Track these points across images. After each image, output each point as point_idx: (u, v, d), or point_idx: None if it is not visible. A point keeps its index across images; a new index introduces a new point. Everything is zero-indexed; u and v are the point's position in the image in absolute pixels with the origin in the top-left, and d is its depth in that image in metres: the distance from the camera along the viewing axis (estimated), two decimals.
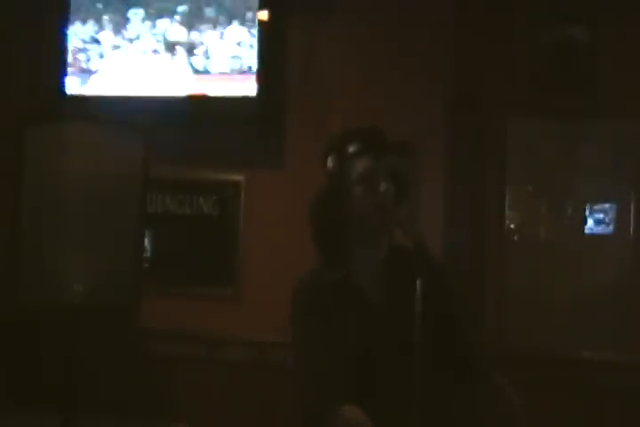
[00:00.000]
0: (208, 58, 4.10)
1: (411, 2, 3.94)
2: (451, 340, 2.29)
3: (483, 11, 3.98)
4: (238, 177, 4.21)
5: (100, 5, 4.25)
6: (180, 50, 4.15)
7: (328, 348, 2.18)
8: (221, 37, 4.07)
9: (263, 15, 4.01)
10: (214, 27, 4.08)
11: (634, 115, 3.87)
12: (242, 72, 4.04)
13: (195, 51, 4.12)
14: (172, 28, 4.16)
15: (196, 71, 4.12)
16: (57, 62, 4.31)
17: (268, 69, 4.03)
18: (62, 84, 4.28)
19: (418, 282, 2.04)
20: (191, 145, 4.20)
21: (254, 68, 4.02)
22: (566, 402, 3.78)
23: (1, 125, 4.38)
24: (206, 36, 4.09)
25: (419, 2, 3.93)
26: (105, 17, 4.24)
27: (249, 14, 4.02)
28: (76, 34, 4.28)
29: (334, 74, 4.05)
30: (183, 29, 4.14)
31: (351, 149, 2.27)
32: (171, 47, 4.16)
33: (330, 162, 2.30)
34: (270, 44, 4.03)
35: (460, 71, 3.96)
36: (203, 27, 4.10)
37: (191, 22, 4.12)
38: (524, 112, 3.97)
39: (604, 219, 3.91)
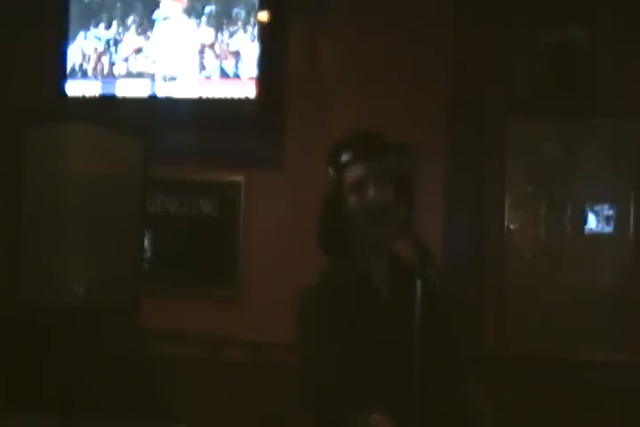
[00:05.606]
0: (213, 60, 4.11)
1: (410, 2, 3.94)
2: (438, 343, 2.27)
3: (482, 11, 3.98)
4: (238, 178, 4.21)
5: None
6: (185, 51, 4.16)
7: (345, 351, 2.17)
8: (222, 39, 4.08)
9: (263, 16, 4.01)
10: (216, 28, 4.09)
11: (634, 115, 3.87)
12: (242, 73, 4.05)
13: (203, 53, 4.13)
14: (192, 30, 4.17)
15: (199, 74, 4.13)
16: (58, 63, 4.31)
17: (268, 70, 4.03)
18: (63, 85, 4.29)
19: (418, 284, 2.04)
20: (191, 146, 4.20)
21: (254, 68, 4.02)
22: (566, 402, 3.78)
23: (1, 126, 4.39)
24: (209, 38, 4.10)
25: (418, 2, 3.94)
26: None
27: (248, 17, 4.03)
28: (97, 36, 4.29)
29: (334, 74, 4.05)
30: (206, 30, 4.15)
31: (344, 157, 2.26)
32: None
33: (330, 171, 2.31)
34: (270, 45, 4.03)
35: (460, 71, 3.96)
36: (208, 28, 4.12)
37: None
38: (524, 112, 3.97)
39: (603, 219, 3.91)
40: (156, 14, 4.19)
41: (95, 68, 4.28)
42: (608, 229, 3.91)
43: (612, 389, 3.76)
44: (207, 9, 4.11)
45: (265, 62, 4.02)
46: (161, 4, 4.17)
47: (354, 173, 2.25)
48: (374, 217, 2.21)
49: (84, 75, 4.30)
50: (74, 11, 4.29)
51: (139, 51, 4.21)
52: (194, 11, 4.13)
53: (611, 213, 3.91)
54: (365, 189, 2.23)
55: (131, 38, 4.22)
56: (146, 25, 4.20)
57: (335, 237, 2.29)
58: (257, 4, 4.01)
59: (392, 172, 2.26)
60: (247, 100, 4.02)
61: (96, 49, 4.28)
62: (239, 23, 4.04)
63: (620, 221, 3.89)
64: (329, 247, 2.31)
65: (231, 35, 4.06)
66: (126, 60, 4.23)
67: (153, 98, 4.19)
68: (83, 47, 4.30)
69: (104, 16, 4.27)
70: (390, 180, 2.25)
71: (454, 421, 2.30)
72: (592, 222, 3.92)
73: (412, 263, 2.13)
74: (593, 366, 3.79)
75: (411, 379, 2.09)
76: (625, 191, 3.90)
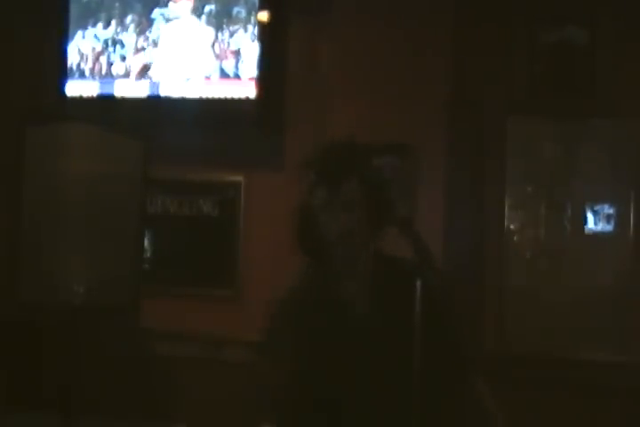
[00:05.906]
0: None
1: (410, 2, 3.94)
2: (442, 341, 2.25)
3: (482, 11, 3.98)
4: (238, 178, 4.21)
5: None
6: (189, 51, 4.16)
7: (287, 366, 2.21)
8: (222, 39, 4.08)
9: (263, 16, 4.01)
10: (217, 28, 4.09)
11: (634, 115, 3.87)
12: (242, 73, 4.05)
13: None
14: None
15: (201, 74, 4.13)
16: (58, 63, 4.31)
17: (268, 70, 4.03)
18: (63, 85, 4.28)
19: (418, 284, 2.03)
20: (191, 146, 4.20)
21: (254, 68, 4.02)
22: (566, 402, 3.78)
23: (1, 126, 4.39)
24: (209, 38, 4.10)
25: (418, 2, 3.94)
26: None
27: (249, 16, 4.03)
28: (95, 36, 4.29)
29: (334, 74, 4.05)
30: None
31: (310, 176, 2.19)
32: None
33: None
34: (270, 45, 4.03)
35: (460, 71, 3.96)
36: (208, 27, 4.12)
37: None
38: (524, 112, 3.97)
39: (603, 219, 3.91)
40: (155, 14, 4.19)
41: (93, 68, 4.28)
42: (608, 228, 3.91)
43: (612, 389, 3.76)
44: (207, 8, 4.10)
45: (265, 62, 4.02)
46: (169, 4, 4.17)
47: (316, 195, 2.18)
48: (336, 243, 2.17)
49: (82, 75, 4.29)
50: (72, 10, 4.29)
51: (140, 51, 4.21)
52: (194, 10, 4.12)
53: (611, 212, 3.91)
54: (327, 213, 2.17)
55: (130, 38, 4.22)
56: (144, 24, 4.20)
57: (309, 245, 2.25)
58: (257, 4, 4.01)
59: (366, 186, 2.15)
60: (247, 100, 4.02)
61: (94, 49, 4.28)
62: (239, 23, 4.04)
63: (620, 220, 3.89)
64: (307, 253, 2.28)
65: (231, 34, 4.06)
66: (125, 59, 4.23)
67: (153, 98, 4.18)
68: (81, 47, 4.29)
69: (102, 15, 4.27)
70: (355, 203, 2.15)
71: (460, 418, 2.29)
72: (592, 222, 3.92)
73: (410, 264, 2.12)
74: (593, 366, 3.79)
75: (385, 388, 2.09)
76: (625, 191, 3.90)
